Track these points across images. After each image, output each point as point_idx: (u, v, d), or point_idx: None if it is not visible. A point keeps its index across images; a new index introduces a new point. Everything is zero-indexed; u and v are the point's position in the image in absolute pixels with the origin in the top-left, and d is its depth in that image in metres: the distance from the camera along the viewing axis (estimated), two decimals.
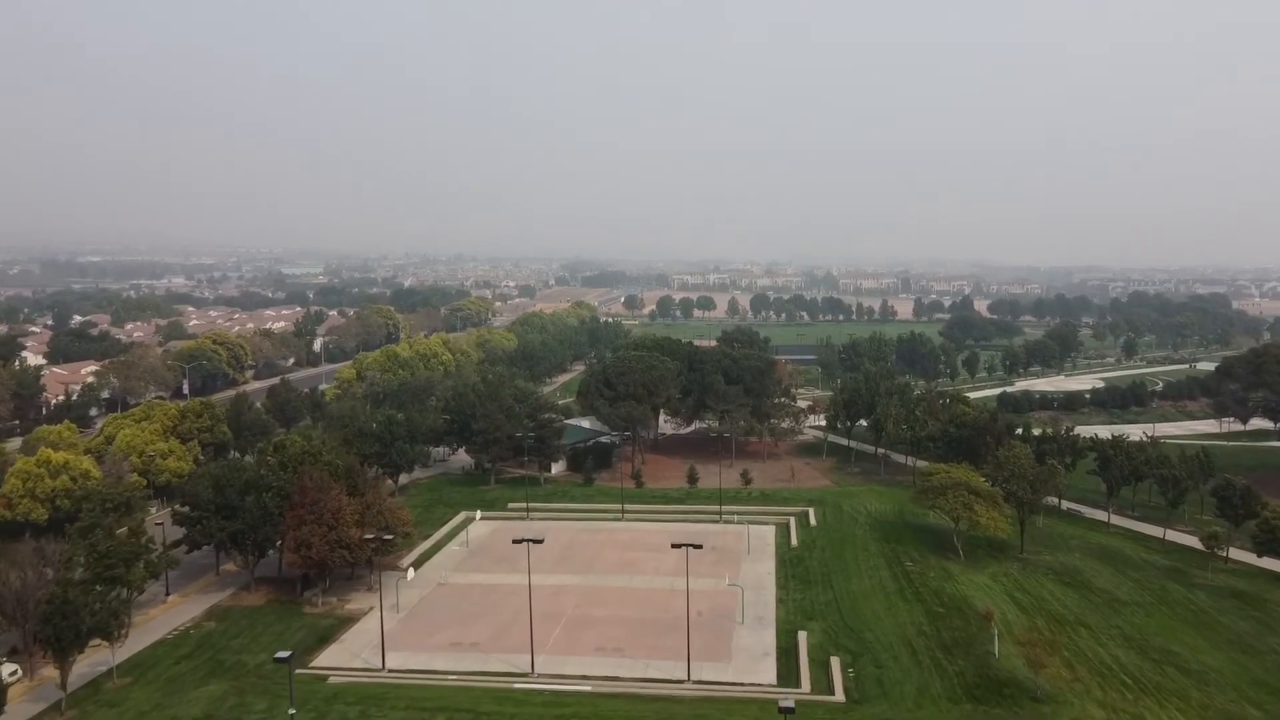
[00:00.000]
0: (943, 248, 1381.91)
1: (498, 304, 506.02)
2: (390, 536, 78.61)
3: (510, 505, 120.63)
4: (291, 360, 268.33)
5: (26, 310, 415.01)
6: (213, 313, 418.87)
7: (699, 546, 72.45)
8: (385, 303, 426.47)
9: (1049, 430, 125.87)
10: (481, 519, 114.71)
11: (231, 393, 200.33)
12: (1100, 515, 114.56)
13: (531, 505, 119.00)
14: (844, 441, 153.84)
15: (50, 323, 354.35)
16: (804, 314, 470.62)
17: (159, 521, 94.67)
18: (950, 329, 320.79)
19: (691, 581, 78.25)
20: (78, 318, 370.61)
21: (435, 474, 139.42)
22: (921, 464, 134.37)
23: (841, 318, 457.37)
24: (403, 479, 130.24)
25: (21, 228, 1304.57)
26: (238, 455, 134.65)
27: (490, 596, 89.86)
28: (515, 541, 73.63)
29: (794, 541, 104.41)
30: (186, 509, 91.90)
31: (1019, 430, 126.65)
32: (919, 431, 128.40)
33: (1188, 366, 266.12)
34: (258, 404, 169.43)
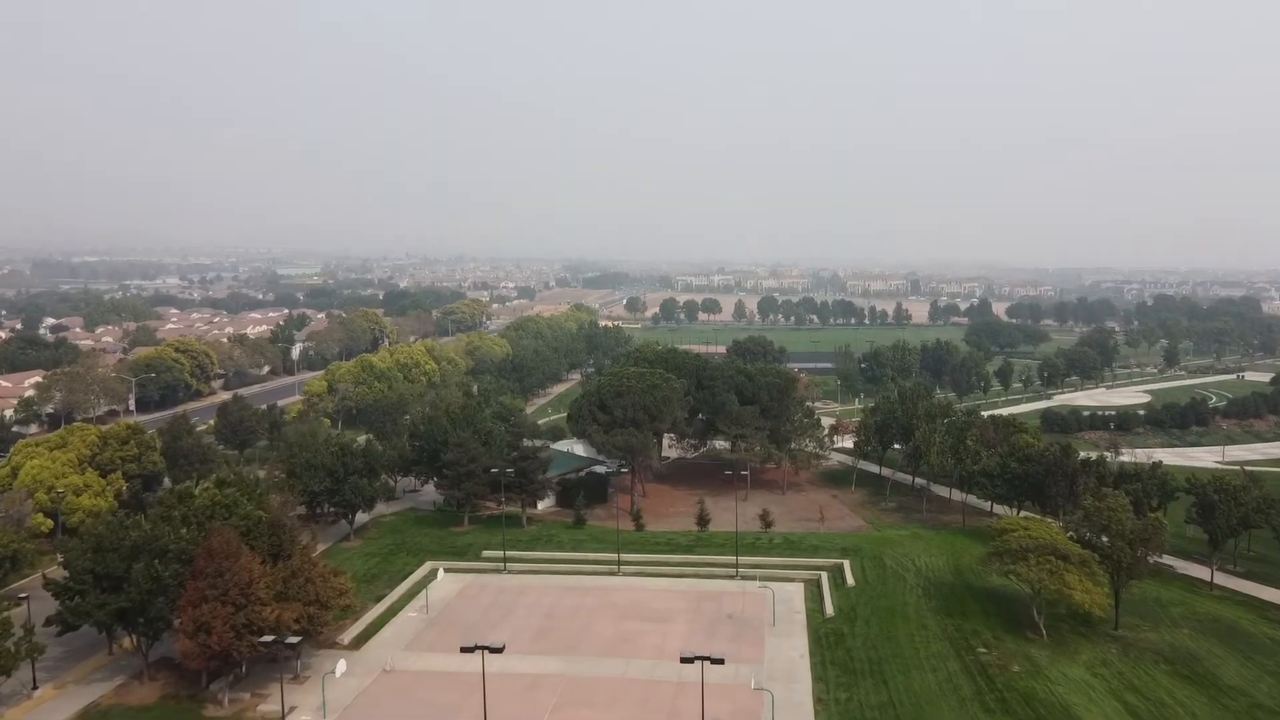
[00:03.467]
0: (948, 249, 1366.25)
1: (495, 306, 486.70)
2: (296, 640, 58.96)
3: (485, 554, 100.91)
4: (267, 369, 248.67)
5: (3, 312, 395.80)
6: (195, 315, 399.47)
7: (720, 661, 52.56)
8: (377, 305, 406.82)
9: (1128, 464, 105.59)
10: (446, 574, 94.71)
11: (198, 405, 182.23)
12: (1197, 571, 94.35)
13: (510, 554, 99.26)
14: (875, 469, 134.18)
15: (19, 326, 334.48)
16: (814, 317, 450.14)
17: (23, 594, 74.53)
18: (974, 335, 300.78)
19: (705, 670, 58.75)
20: (50, 320, 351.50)
21: (403, 509, 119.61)
22: (971, 500, 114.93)
23: (854, 321, 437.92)
24: (362, 517, 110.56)
25: (22, 229, 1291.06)
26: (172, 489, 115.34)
27: (447, 691, 70.07)
28: (464, 650, 53.73)
29: (829, 609, 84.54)
30: (62, 576, 72.34)
31: (1090, 457, 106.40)
32: (970, 464, 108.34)
33: (1235, 377, 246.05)
34: (209, 422, 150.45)
